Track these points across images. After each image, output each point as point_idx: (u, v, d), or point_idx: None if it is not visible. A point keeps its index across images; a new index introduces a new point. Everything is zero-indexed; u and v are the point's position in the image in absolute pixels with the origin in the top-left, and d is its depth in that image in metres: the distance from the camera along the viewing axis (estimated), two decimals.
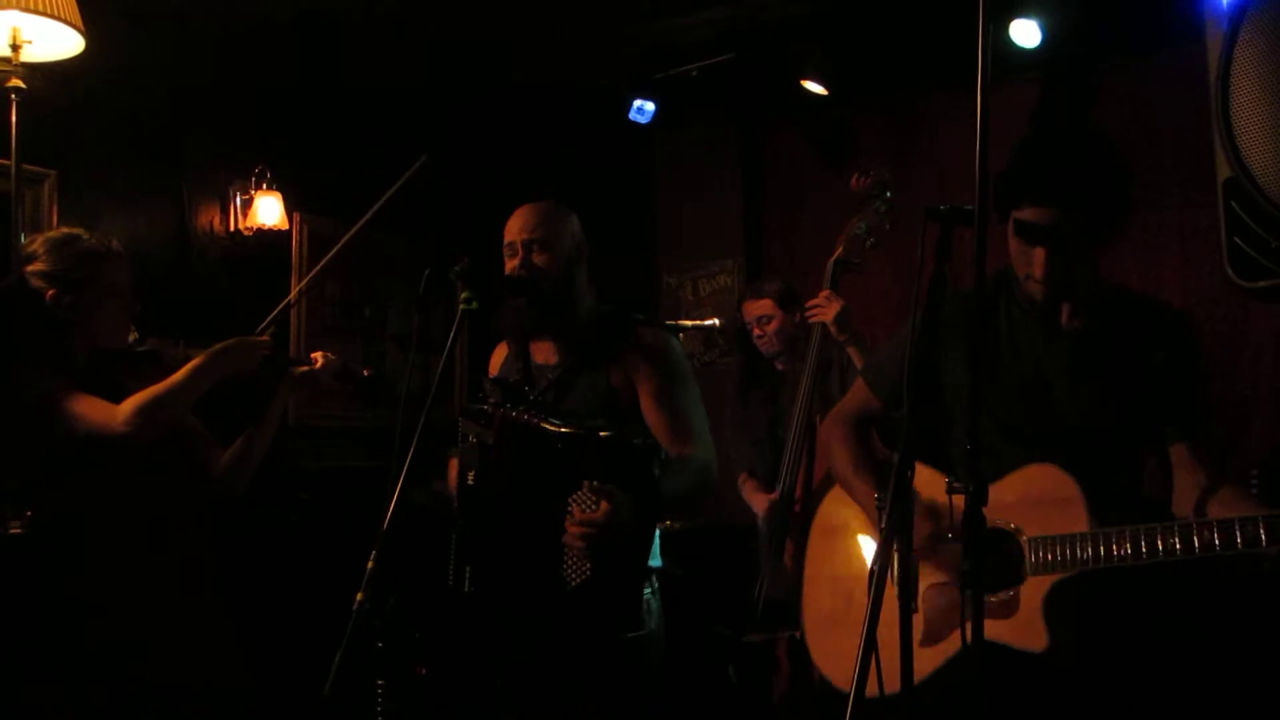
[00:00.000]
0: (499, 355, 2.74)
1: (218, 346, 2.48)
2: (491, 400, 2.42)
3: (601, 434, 2.25)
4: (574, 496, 2.23)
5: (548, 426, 2.27)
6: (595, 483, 2.20)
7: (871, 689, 1.57)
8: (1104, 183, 2.06)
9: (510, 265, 2.55)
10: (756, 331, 3.84)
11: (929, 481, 2.06)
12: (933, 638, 2.09)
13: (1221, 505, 1.97)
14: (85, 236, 2.51)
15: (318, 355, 2.71)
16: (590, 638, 2.36)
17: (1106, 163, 2.08)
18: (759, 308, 3.83)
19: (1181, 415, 2.10)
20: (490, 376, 2.65)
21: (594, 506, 2.19)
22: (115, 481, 2.41)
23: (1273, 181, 2.36)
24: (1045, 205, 2.03)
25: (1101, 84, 4.38)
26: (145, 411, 2.33)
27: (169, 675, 2.40)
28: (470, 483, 2.40)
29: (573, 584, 2.24)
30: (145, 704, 2.36)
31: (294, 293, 2.78)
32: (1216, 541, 1.84)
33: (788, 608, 3.19)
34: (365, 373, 2.88)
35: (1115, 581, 1.97)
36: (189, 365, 2.42)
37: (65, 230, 2.55)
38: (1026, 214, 2.05)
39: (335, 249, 2.96)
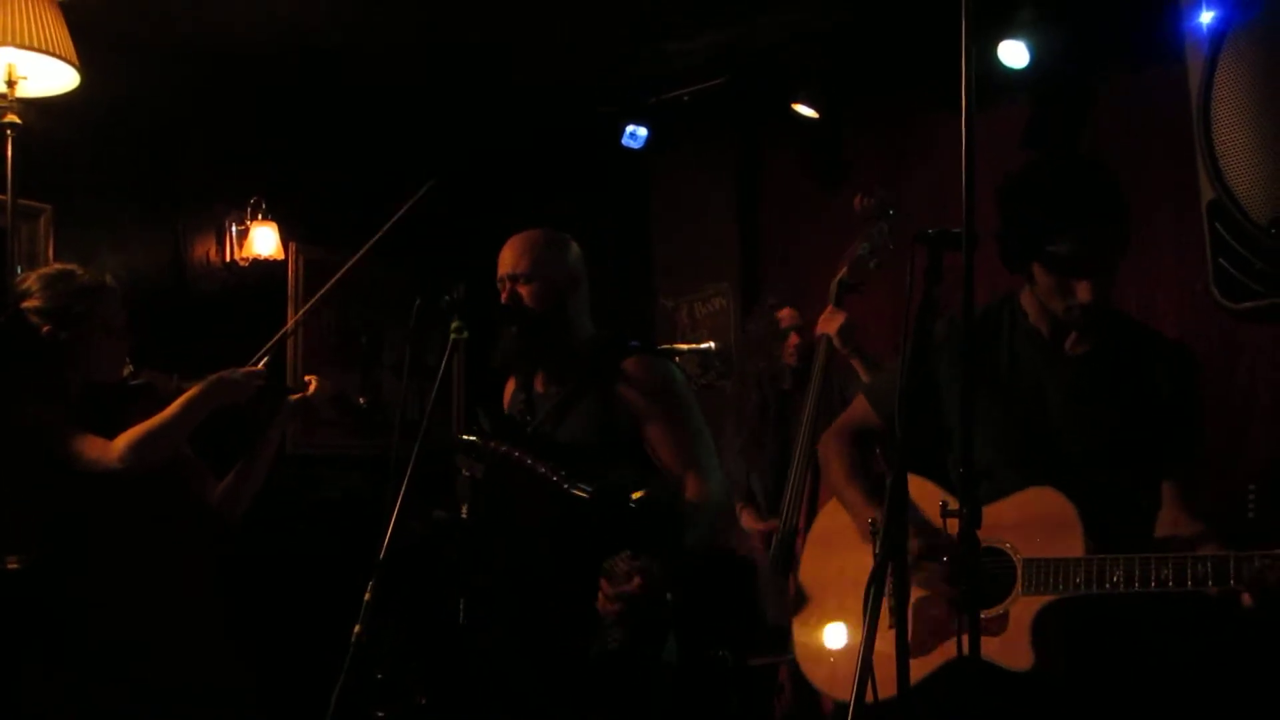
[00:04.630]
0: (509, 388, 2.74)
1: (212, 378, 2.50)
2: (483, 433, 2.42)
3: (635, 496, 2.25)
4: (608, 564, 2.25)
5: (578, 492, 2.26)
6: (629, 555, 2.22)
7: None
8: (1108, 188, 2.09)
9: (504, 296, 2.57)
10: (795, 339, 3.80)
11: (924, 494, 2.07)
12: (918, 650, 2.10)
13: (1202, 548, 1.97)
14: (79, 272, 2.55)
15: (311, 379, 2.73)
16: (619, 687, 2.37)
17: (1102, 172, 2.12)
18: (794, 317, 3.82)
19: (1176, 455, 2.12)
20: (485, 408, 2.66)
21: (627, 579, 2.22)
22: (115, 484, 2.42)
23: (1256, 203, 2.38)
24: (1075, 228, 2.04)
25: (1091, 103, 4.40)
26: (140, 447, 2.36)
27: (170, 676, 2.43)
28: (464, 516, 2.41)
29: (611, 647, 2.27)
30: (146, 704, 2.38)
31: (290, 323, 2.79)
32: (1210, 577, 1.85)
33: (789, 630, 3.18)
34: (360, 401, 2.89)
35: (1104, 605, 1.98)
36: (183, 398, 2.44)
37: (59, 266, 2.60)
38: (1059, 246, 2.06)
39: (339, 274, 2.98)
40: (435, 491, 2.56)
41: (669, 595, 2.42)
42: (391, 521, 2.04)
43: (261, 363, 2.68)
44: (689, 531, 2.34)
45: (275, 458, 2.76)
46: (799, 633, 2.43)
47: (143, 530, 2.47)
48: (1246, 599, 1.86)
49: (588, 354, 2.54)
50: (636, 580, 2.21)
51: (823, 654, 2.35)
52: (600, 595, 2.25)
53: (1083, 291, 2.07)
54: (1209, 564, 1.86)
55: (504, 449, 2.37)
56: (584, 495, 2.25)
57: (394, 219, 2.68)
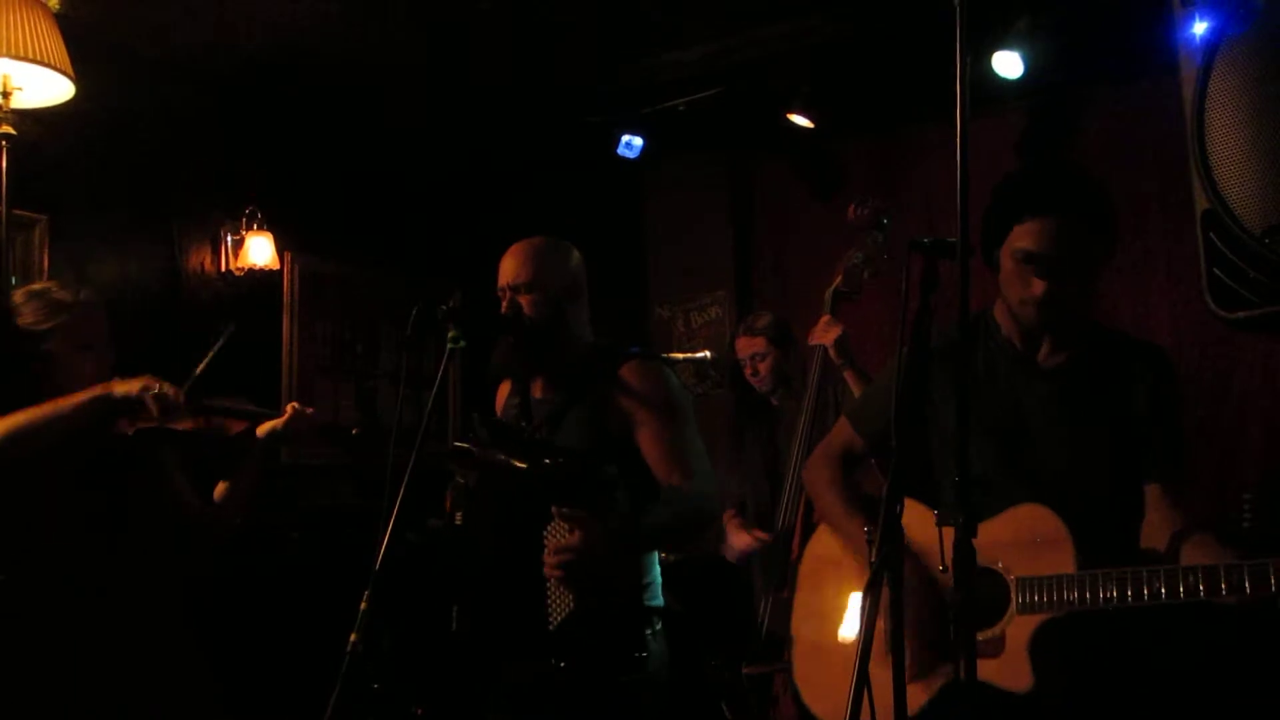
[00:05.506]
0: (503, 392, 2.74)
1: (98, 391, 2.38)
2: (474, 440, 2.42)
3: (560, 462, 2.24)
4: (547, 528, 2.24)
5: (515, 463, 2.27)
6: (565, 509, 2.20)
7: None
8: (1092, 193, 2.09)
9: (504, 305, 2.57)
10: (749, 370, 3.85)
11: (917, 519, 2.06)
12: (918, 673, 2.09)
13: (1195, 550, 1.97)
14: (54, 289, 2.53)
15: (290, 406, 2.68)
16: (583, 676, 2.34)
17: (1088, 178, 2.11)
18: (752, 345, 3.83)
19: (1159, 457, 2.10)
20: (480, 413, 2.65)
21: (568, 534, 2.20)
22: (71, 490, 2.42)
23: (1249, 212, 2.39)
24: (1044, 214, 2.04)
25: (1084, 114, 4.42)
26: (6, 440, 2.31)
27: (129, 686, 2.40)
28: (458, 523, 2.41)
29: (555, 620, 2.25)
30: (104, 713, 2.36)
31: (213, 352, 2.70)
32: (1201, 587, 1.85)
33: (785, 642, 3.18)
34: (354, 431, 2.83)
35: (1101, 622, 1.97)
36: (66, 401, 2.35)
37: (41, 283, 2.59)
38: (1024, 228, 2.06)
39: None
40: (431, 500, 2.56)
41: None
42: (387, 530, 2.03)
43: (193, 379, 2.60)
44: (657, 508, 2.31)
45: (257, 482, 2.72)
46: (799, 662, 2.41)
47: (99, 541, 2.44)
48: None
49: (585, 362, 2.54)
50: (577, 534, 2.19)
51: (824, 683, 2.31)
52: (545, 559, 2.23)
53: (1037, 284, 2.06)
54: (1199, 574, 1.85)
55: (489, 455, 2.36)
56: (519, 465, 2.24)
57: (201, 366, 2.61)
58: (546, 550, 2.23)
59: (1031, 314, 2.11)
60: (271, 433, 2.66)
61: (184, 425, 2.52)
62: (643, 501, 2.35)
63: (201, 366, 2.59)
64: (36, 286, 2.56)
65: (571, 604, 2.23)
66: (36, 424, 2.32)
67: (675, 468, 2.41)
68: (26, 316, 2.48)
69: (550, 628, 2.26)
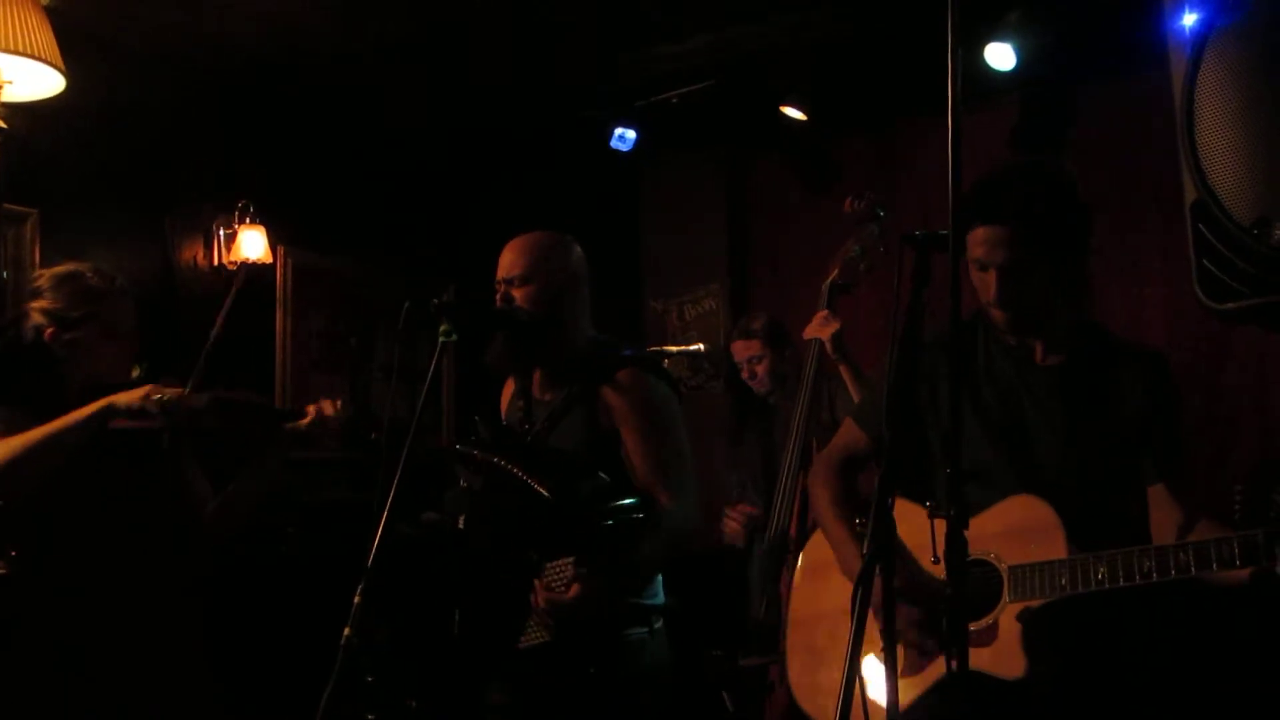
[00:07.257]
0: (508, 390, 2.73)
1: (102, 403, 2.34)
2: (479, 443, 2.42)
3: (597, 510, 2.25)
4: (552, 564, 2.25)
5: (539, 489, 2.25)
6: (573, 562, 2.22)
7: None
8: (1052, 204, 2.08)
9: (499, 299, 2.56)
10: (746, 373, 3.85)
11: (909, 514, 2.06)
12: (911, 667, 2.10)
13: (1199, 536, 1.97)
14: (87, 274, 2.48)
15: (310, 409, 2.67)
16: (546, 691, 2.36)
17: (1055, 188, 2.11)
18: (748, 349, 3.83)
19: (1161, 459, 2.11)
20: (482, 415, 2.65)
21: (564, 586, 2.22)
22: (85, 487, 2.39)
23: (1238, 204, 2.39)
24: (989, 223, 2.06)
25: (1079, 106, 4.42)
26: (3, 473, 2.25)
27: (132, 685, 2.39)
28: (460, 527, 2.41)
29: (526, 643, 2.29)
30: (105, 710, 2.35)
31: (215, 331, 2.68)
32: (1192, 563, 1.85)
33: (780, 634, 3.19)
34: (373, 436, 2.82)
35: (1094, 607, 1.98)
36: (67, 417, 2.31)
37: (70, 266, 2.52)
38: (974, 236, 2.08)
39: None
40: (426, 494, 2.55)
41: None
42: (380, 524, 2.03)
43: (196, 379, 2.57)
44: (647, 541, 2.32)
45: (268, 486, 2.69)
46: (793, 665, 2.41)
47: (108, 536, 2.43)
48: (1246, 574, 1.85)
49: (582, 360, 2.52)
50: (575, 587, 2.21)
51: (818, 687, 2.32)
52: (536, 587, 2.26)
53: (990, 290, 2.09)
54: (1190, 551, 1.86)
55: (492, 459, 2.36)
56: (543, 492, 2.23)
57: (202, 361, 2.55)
58: (542, 584, 2.25)
59: (996, 317, 2.14)
60: (294, 433, 2.66)
61: (204, 423, 2.50)
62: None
63: (203, 361, 2.58)
64: (63, 270, 2.49)
65: (546, 637, 2.27)
66: (39, 446, 2.27)
67: (659, 483, 2.41)
68: (56, 302, 2.43)
69: (519, 647, 2.30)
